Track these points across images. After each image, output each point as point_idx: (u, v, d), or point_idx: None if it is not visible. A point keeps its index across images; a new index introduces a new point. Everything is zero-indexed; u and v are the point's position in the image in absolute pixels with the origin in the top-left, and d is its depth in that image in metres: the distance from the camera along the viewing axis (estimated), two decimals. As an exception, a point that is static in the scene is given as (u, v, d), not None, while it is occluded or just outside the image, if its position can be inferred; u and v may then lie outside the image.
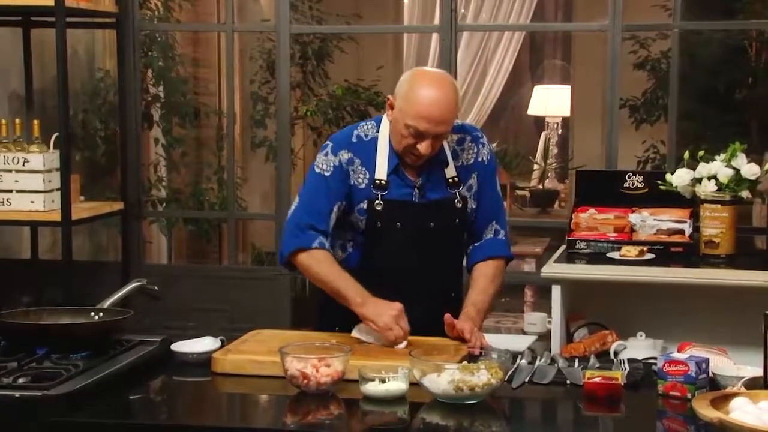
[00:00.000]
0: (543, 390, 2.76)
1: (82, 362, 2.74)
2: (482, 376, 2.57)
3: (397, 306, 2.99)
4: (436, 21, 9.48)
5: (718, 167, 4.18)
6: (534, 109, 10.96)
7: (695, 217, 4.32)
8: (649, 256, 4.16)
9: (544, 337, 4.16)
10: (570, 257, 4.21)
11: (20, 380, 2.59)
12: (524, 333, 4.28)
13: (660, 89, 8.27)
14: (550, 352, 3.22)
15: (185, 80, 6.69)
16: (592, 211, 4.37)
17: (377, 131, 3.18)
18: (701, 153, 4.29)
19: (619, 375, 2.69)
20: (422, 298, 3.15)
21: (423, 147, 3.04)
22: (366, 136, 3.19)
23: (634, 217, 4.34)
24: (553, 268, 4.05)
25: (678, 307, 4.23)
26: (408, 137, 3.05)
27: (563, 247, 4.38)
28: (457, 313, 3.15)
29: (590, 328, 4.12)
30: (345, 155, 3.16)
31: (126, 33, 5.15)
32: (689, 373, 2.62)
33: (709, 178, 4.17)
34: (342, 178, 3.16)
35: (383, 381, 2.62)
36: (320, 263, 3.13)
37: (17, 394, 2.52)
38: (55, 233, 5.42)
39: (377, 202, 3.14)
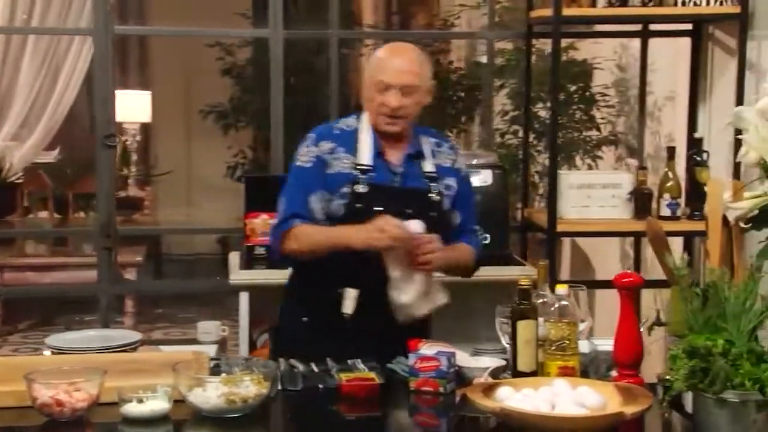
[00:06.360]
0: (298, 396, 2.75)
1: None
2: (250, 387, 2.55)
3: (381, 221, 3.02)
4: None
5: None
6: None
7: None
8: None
9: (221, 345, 4.15)
10: (249, 263, 4.22)
11: None
12: (199, 342, 4.20)
13: (246, 95, 8.44)
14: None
15: None
16: (264, 216, 4.40)
17: (358, 122, 3.25)
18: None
19: (375, 375, 2.77)
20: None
21: (392, 97, 3.12)
22: (348, 126, 3.27)
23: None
24: (240, 275, 4.05)
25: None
26: (378, 95, 3.14)
27: (235, 253, 4.39)
28: None
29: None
30: (326, 145, 3.21)
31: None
32: (441, 368, 2.72)
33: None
34: (323, 168, 3.18)
35: (140, 401, 2.53)
36: (306, 232, 3.15)
37: None
38: None
39: (360, 185, 3.14)
